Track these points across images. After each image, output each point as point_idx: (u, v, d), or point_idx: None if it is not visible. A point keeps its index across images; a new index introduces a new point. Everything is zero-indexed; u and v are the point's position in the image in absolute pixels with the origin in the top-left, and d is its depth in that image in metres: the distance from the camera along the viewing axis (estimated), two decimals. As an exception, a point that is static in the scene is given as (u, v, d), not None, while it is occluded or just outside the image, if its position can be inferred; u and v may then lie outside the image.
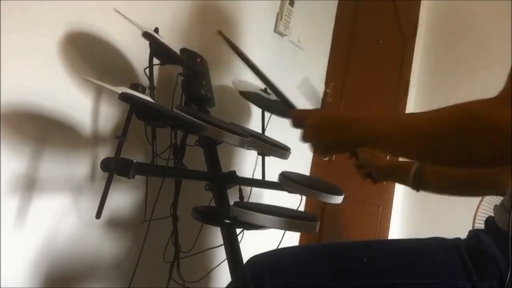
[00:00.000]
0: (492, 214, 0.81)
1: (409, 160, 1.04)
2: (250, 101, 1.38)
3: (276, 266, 0.79)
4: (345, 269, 0.76)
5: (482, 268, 0.71)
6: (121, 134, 0.89)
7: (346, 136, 0.75)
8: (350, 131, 0.74)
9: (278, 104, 1.12)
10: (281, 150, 1.32)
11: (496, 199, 1.77)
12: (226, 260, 1.12)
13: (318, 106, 1.39)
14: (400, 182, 1.06)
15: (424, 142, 0.64)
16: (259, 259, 0.82)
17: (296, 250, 0.93)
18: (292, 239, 1.81)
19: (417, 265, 0.74)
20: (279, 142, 1.35)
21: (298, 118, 0.87)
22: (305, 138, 0.84)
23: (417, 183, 1.00)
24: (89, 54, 1.12)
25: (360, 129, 0.73)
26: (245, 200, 1.30)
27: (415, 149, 0.66)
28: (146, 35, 1.03)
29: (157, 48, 1.07)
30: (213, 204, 1.21)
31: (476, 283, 0.70)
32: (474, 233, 0.78)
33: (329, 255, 0.80)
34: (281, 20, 1.68)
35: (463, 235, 0.81)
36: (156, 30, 1.10)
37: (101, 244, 1.18)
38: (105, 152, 1.16)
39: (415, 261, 0.75)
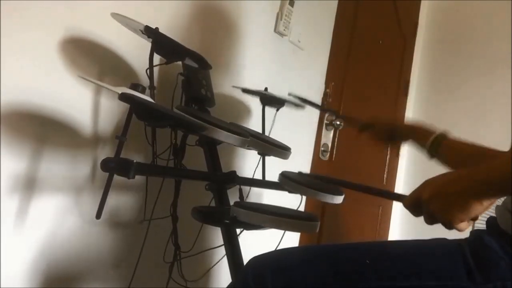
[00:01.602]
0: (493, 214, 0.81)
1: (430, 129, 1.04)
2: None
3: (277, 267, 0.79)
4: (346, 271, 0.76)
5: (486, 269, 0.70)
6: (121, 134, 0.89)
7: (475, 190, 0.67)
8: (477, 183, 0.68)
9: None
10: (281, 150, 1.32)
11: (498, 199, 1.76)
12: (226, 259, 1.13)
13: (317, 109, 1.40)
14: (418, 145, 1.06)
15: None
16: (260, 260, 0.82)
17: (297, 251, 0.92)
18: (292, 239, 1.81)
19: (419, 267, 0.74)
20: (279, 142, 1.35)
21: (412, 201, 0.75)
22: (430, 217, 0.72)
23: (432, 151, 1.00)
24: (89, 54, 1.12)
25: (486, 179, 0.67)
26: (245, 200, 1.30)
27: None
28: (147, 29, 1.02)
29: (159, 42, 1.06)
30: (213, 204, 1.21)
31: (479, 285, 0.70)
32: (476, 234, 0.78)
33: (330, 257, 0.80)
34: (281, 20, 1.68)
35: (463, 235, 0.80)
36: (156, 29, 1.10)
37: (101, 244, 1.18)
38: (105, 152, 1.16)
39: (417, 263, 0.74)
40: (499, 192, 0.68)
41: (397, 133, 1.12)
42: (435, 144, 0.99)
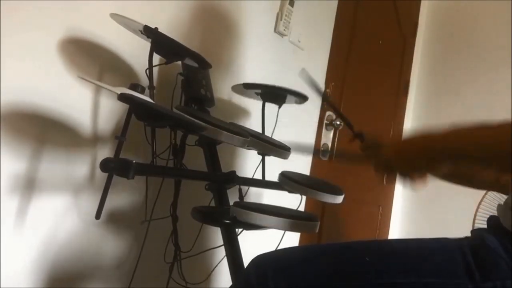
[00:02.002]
0: (493, 214, 0.81)
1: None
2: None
3: (280, 266, 0.79)
4: (347, 269, 0.76)
5: (486, 268, 0.70)
6: (120, 134, 0.89)
7: (427, 154, 0.75)
8: (429, 149, 0.75)
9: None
10: (281, 150, 1.32)
11: (498, 199, 1.77)
12: (226, 260, 1.13)
13: (320, 96, 1.39)
14: None
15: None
16: (262, 259, 0.82)
17: (299, 250, 0.93)
18: (292, 239, 1.81)
19: (419, 265, 0.74)
20: (279, 142, 1.35)
21: (378, 158, 0.85)
22: (394, 172, 0.82)
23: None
24: (89, 54, 1.12)
25: (440, 145, 0.73)
26: (245, 200, 1.30)
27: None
28: (146, 29, 1.03)
29: (159, 42, 1.06)
30: (213, 204, 1.21)
31: (479, 284, 0.70)
32: (477, 233, 0.78)
33: (331, 255, 0.80)
34: (281, 20, 1.68)
35: (463, 234, 0.80)
36: (156, 29, 1.10)
37: (101, 244, 1.18)
38: (104, 152, 1.16)
39: (417, 261, 0.75)
40: (453, 160, 0.75)
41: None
42: None
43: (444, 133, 0.73)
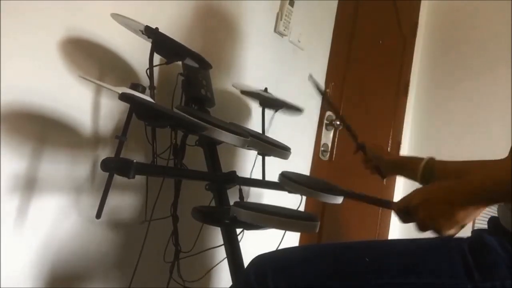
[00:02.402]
0: (493, 214, 0.81)
1: (416, 156, 1.04)
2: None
3: (279, 266, 0.79)
4: (347, 269, 0.76)
5: (485, 268, 0.70)
6: (121, 134, 0.89)
7: (457, 200, 0.71)
8: (462, 194, 0.71)
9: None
10: (281, 150, 1.32)
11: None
12: (226, 260, 1.13)
13: (324, 102, 1.40)
14: (408, 177, 1.06)
15: None
16: (262, 259, 0.82)
17: (299, 251, 0.93)
18: (292, 239, 1.81)
19: (418, 265, 0.74)
20: (279, 142, 1.35)
21: (402, 207, 0.78)
22: (420, 224, 0.75)
23: (426, 178, 1.00)
24: (89, 54, 1.12)
25: (469, 189, 0.70)
26: (245, 200, 1.30)
27: None
28: (147, 29, 1.03)
29: (159, 42, 1.06)
30: (213, 204, 1.21)
31: (478, 283, 0.70)
32: (477, 233, 0.78)
33: (331, 255, 0.80)
34: (281, 20, 1.68)
35: (463, 235, 0.80)
36: (157, 29, 1.10)
37: (101, 244, 1.18)
38: (105, 152, 1.16)
39: (416, 261, 0.75)
40: (486, 202, 0.70)
41: (383, 166, 1.12)
42: (427, 170, 0.99)
43: (478, 178, 0.70)
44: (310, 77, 1.20)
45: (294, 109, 1.43)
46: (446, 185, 0.73)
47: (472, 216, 0.71)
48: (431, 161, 1.00)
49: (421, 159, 1.02)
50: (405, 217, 0.77)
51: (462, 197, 0.70)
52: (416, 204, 0.73)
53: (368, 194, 0.94)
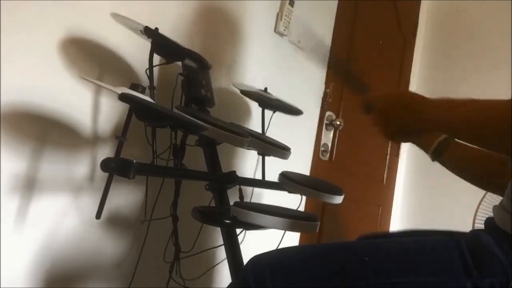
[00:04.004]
0: (491, 215, 0.81)
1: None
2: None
3: (277, 266, 0.79)
4: (345, 269, 0.76)
5: (483, 265, 0.71)
6: (121, 134, 0.89)
7: (411, 116, 0.76)
8: (414, 112, 0.76)
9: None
10: (281, 150, 1.32)
11: (496, 200, 1.77)
12: (226, 260, 1.13)
13: (325, 61, 1.39)
14: (422, 147, 1.07)
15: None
16: (260, 259, 0.82)
17: (297, 250, 0.93)
18: (292, 239, 1.81)
19: (417, 263, 0.74)
20: (279, 142, 1.35)
21: (368, 102, 0.87)
22: (374, 121, 0.83)
23: (436, 153, 1.01)
24: (89, 54, 1.12)
25: (425, 111, 0.75)
26: (245, 200, 1.30)
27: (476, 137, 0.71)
28: (147, 30, 1.03)
29: (159, 43, 1.06)
30: (213, 204, 1.21)
31: (476, 280, 0.70)
32: (474, 233, 0.78)
33: (329, 255, 0.80)
34: (281, 20, 1.68)
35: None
36: (156, 30, 1.10)
37: (101, 244, 1.18)
38: (105, 152, 1.16)
39: (415, 259, 0.75)
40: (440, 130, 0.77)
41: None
42: (441, 147, 1.00)
43: (436, 104, 0.74)
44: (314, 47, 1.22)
45: (293, 110, 1.43)
46: (410, 97, 0.79)
47: (409, 139, 0.78)
48: (446, 140, 1.00)
49: (437, 135, 1.03)
50: (365, 111, 0.86)
51: (421, 120, 0.75)
52: (378, 107, 0.81)
53: (352, 74, 1.01)
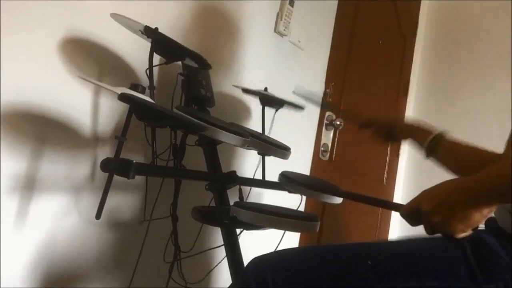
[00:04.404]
0: (491, 215, 0.81)
1: (428, 127, 1.05)
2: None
3: (278, 267, 0.79)
4: (347, 271, 0.76)
5: (488, 269, 0.70)
6: (121, 134, 0.89)
7: (478, 200, 0.69)
8: (480, 193, 0.69)
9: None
10: (281, 150, 1.32)
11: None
12: (226, 260, 1.12)
13: (318, 106, 1.40)
14: (416, 144, 1.07)
15: None
16: (261, 260, 0.82)
17: (298, 252, 0.92)
18: (292, 239, 1.81)
19: (420, 267, 0.73)
20: (279, 142, 1.35)
21: (412, 211, 0.76)
22: (433, 228, 0.73)
23: (430, 150, 1.01)
24: (89, 54, 1.12)
25: (488, 187, 0.68)
26: (245, 200, 1.30)
27: None
28: (147, 29, 1.03)
29: (159, 42, 1.06)
30: (213, 204, 1.21)
31: (481, 285, 0.69)
32: (477, 234, 0.77)
33: (330, 257, 0.80)
34: (281, 20, 1.68)
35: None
36: (156, 29, 1.10)
37: (101, 244, 1.18)
38: (105, 152, 1.16)
39: (418, 262, 0.74)
40: (500, 199, 0.69)
41: (395, 131, 1.13)
42: (433, 143, 1.00)
43: (485, 174, 0.69)
44: (298, 87, 1.21)
45: (295, 106, 1.42)
46: (458, 185, 0.71)
47: (483, 217, 0.69)
48: (439, 136, 1.01)
49: (431, 132, 1.03)
50: (414, 221, 0.75)
51: (476, 196, 0.68)
52: (429, 209, 0.71)
53: (376, 198, 0.94)
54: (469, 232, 0.73)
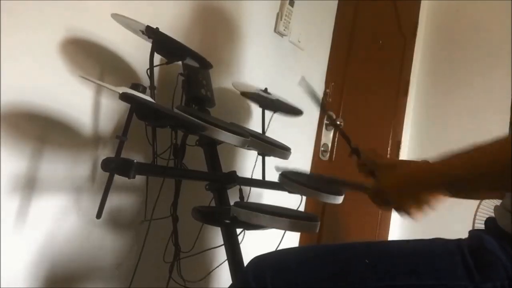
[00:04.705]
0: (492, 215, 0.81)
1: (410, 160, 1.05)
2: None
3: (278, 267, 0.79)
4: (346, 271, 0.76)
5: (486, 269, 0.70)
6: (121, 134, 0.89)
7: (425, 187, 0.75)
8: (426, 181, 0.74)
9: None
10: (281, 150, 1.32)
11: (497, 200, 1.77)
12: (226, 260, 1.13)
13: (318, 104, 1.40)
14: None
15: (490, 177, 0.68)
16: (261, 260, 0.82)
17: (298, 251, 0.93)
18: (292, 239, 1.81)
19: (419, 266, 0.74)
20: (279, 142, 1.35)
21: (377, 196, 0.83)
22: (396, 210, 0.79)
23: None
24: (90, 54, 1.12)
25: (436, 176, 0.73)
26: (245, 200, 1.30)
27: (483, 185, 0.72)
28: (148, 29, 1.03)
29: (160, 42, 1.06)
30: (213, 204, 1.21)
31: (479, 284, 0.70)
32: (475, 234, 0.78)
33: (330, 257, 0.80)
34: (281, 20, 1.68)
35: (462, 235, 0.80)
36: (157, 29, 1.10)
37: (101, 244, 1.18)
38: (105, 152, 1.16)
39: (417, 262, 0.74)
40: (455, 188, 0.73)
41: (377, 170, 1.12)
42: None
43: (441, 162, 0.73)
44: (303, 80, 1.21)
45: (294, 110, 1.43)
46: (414, 168, 0.79)
47: (437, 198, 0.75)
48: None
49: (415, 162, 1.02)
50: (382, 205, 0.82)
51: (430, 181, 0.74)
52: (388, 193, 0.79)
53: (344, 180, 1.01)
54: (426, 212, 0.78)
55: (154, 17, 1.21)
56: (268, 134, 1.43)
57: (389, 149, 2.46)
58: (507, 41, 2.28)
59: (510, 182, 0.63)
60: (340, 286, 0.75)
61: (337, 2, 2.00)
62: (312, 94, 1.21)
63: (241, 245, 1.13)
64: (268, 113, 1.44)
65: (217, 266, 1.38)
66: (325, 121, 1.98)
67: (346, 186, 1.05)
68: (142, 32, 1.04)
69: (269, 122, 1.44)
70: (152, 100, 0.95)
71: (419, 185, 0.75)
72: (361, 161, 1.12)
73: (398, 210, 0.78)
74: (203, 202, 1.21)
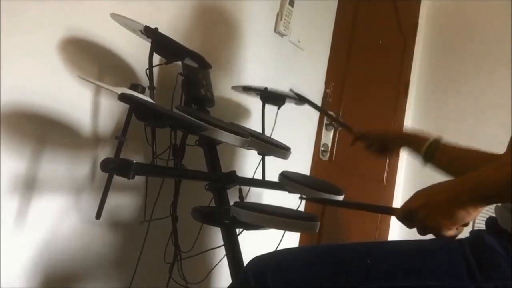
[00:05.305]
0: (492, 215, 0.81)
1: (423, 133, 1.05)
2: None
3: (278, 267, 0.79)
4: (347, 271, 0.76)
5: (487, 268, 0.70)
6: (121, 135, 0.89)
7: (461, 200, 0.71)
8: (462, 193, 0.71)
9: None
10: (281, 150, 1.32)
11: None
12: (226, 260, 1.13)
13: (315, 107, 1.40)
14: (413, 151, 1.07)
15: None
16: (261, 260, 0.82)
17: (298, 251, 0.92)
18: (292, 239, 1.81)
19: (420, 266, 0.73)
20: (279, 142, 1.35)
21: (404, 213, 0.78)
22: (421, 226, 0.75)
23: (427, 157, 1.01)
24: (89, 54, 1.12)
25: (472, 188, 0.71)
26: (245, 200, 1.30)
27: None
28: (147, 29, 1.03)
29: (159, 42, 1.06)
30: (213, 204, 1.21)
31: (480, 284, 0.69)
32: (476, 234, 0.77)
33: (330, 257, 0.80)
34: (281, 20, 1.68)
35: (462, 235, 0.80)
36: (156, 29, 1.10)
37: (101, 245, 1.18)
38: (105, 152, 1.16)
39: (418, 262, 0.74)
40: (487, 199, 0.71)
41: (391, 142, 1.13)
42: (430, 149, 1.00)
43: (470, 176, 0.71)
44: (291, 91, 1.21)
45: (298, 98, 1.40)
46: (445, 185, 0.74)
47: (472, 216, 0.71)
48: (435, 142, 1.01)
49: (426, 138, 1.02)
50: (408, 222, 0.78)
51: (461, 196, 0.71)
52: (416, 207, 0.74)
53: (368, 204, 0.96)
54: (459, 230, 0.75)
55: (154, 17, 1.21)
56: (268, 134, 1.43)
57: (387, 158, 2.45)
58: (507, 41, 2.28)
59: None
60: (340, 287, 0.75)
61: (337, 2, 2.00)
62: (305, 101, 1.22)
63: (241, 245, 1.13)
64: (268, 113, 1.43)
65: (216, 264, 1.38)
66: (325, 121, 1.98)
67: (373, 210, 1.02)
68: (141, 32, 1.04)
69: (275, 120, 1.43)
70: (151, 101, 0.95)
71: (452, 201, 0.71)
72: (370, 141, 1.13)
73: (432, 230, 0.74)
74: (203, 202, 1.21)
